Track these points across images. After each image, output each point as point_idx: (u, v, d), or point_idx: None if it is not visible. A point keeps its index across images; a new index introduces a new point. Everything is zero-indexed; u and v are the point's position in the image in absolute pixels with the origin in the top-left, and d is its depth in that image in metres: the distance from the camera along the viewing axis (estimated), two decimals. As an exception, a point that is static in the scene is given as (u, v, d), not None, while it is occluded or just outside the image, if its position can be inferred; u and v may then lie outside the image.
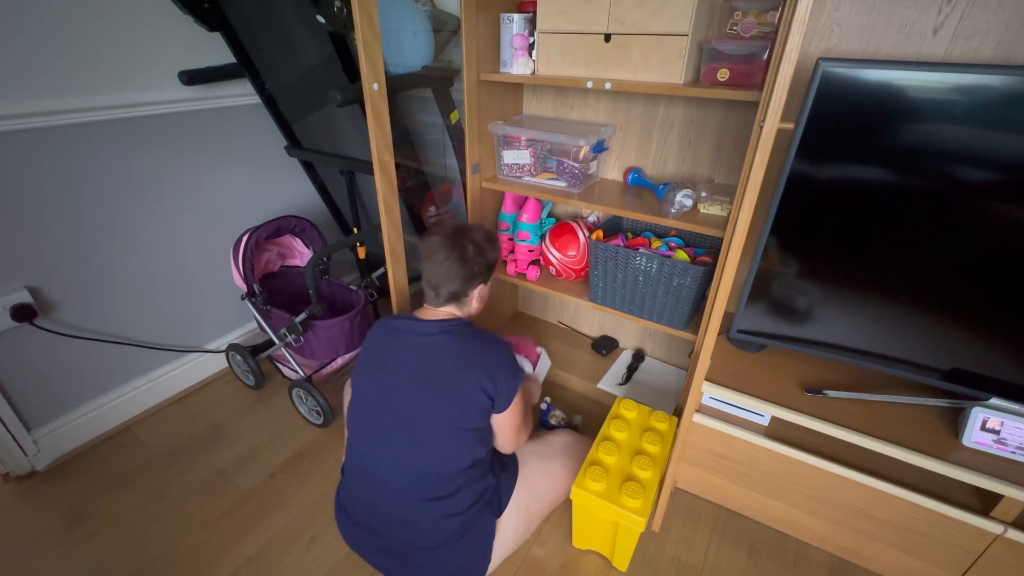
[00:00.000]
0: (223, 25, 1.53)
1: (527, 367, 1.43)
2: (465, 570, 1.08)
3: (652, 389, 1.66)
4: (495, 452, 1.15)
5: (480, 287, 1.13)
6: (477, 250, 1.10)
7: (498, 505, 1.12)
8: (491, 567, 1.11)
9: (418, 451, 1.03)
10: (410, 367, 1.04)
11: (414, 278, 1.53)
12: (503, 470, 1.16)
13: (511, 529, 1.13)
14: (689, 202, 1.29)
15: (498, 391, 1.02)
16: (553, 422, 1.57)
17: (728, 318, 1.31)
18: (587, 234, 1.52)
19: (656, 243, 1.45)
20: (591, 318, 1.91)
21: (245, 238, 1.55)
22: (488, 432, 1.09)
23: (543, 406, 1.61)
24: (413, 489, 1.03)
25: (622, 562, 1.21)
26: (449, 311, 1.12)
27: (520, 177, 1.53)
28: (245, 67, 1.62)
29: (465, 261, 1.08)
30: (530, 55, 1.34)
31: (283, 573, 1.21)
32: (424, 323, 1.08)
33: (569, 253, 1.53)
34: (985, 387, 0.99)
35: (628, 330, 1.83)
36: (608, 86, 1.21)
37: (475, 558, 1.08)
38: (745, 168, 1.05)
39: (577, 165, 1.41)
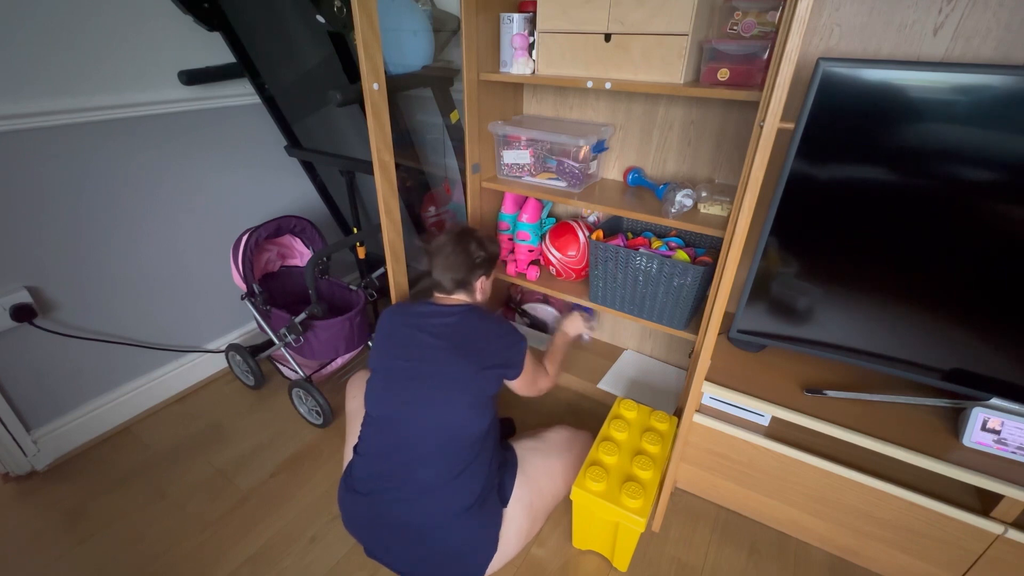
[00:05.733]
0: (223, 25, 1.53)
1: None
2: (470, 554, 1.08)
3: (652, 389, 1.66)
4: (497, 440, 1.21)
5: (482, 278, 1.25)
6: (479, 245, 1.24)
7: (503, 495, 1.14)
8: (494, 566, 1.11)
9: (448, 409, 1.09)
10: (436, 340, 1.13)
11: (414, 279, 1.54)
12: (504, 463, 1.18)
13: (515, 527, 1.13)
14: (689, 202, 1.29)
15: (511, 359, 1.17)
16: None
17: (728, 318, 1.31)
18: (587, 234, 1.52)
19: (656, 243, 1.45)
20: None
21: (245, 238, 1.55)
22: (496, 402, 1.19)
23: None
24: (440, 450, 1.07)
25: (622, 562, 1.21)
26: (463, 298, 1.24)
27: (520, 177, 1.53)
28: (245, 67, 1.62)
29: (468, 254, 1.22)
30: (530, 55, 1.34)
31: (283, 573, 1.21)
32: (444, 307, 1.20)
33: (569, 253, 1.53)
34: (985, 387, 0.99)
35: (628, 330, 1.83)
36: (608, 86, 1.21)
37: (481, 542, 1.08)
38: (745, 168, 1.05)
39: (577, 165, 1.41)
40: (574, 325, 1.47)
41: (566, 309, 1.68)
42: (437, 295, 1.25)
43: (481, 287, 1.26)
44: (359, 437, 1.18)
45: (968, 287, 0.93)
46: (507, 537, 1.12)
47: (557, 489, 1.23)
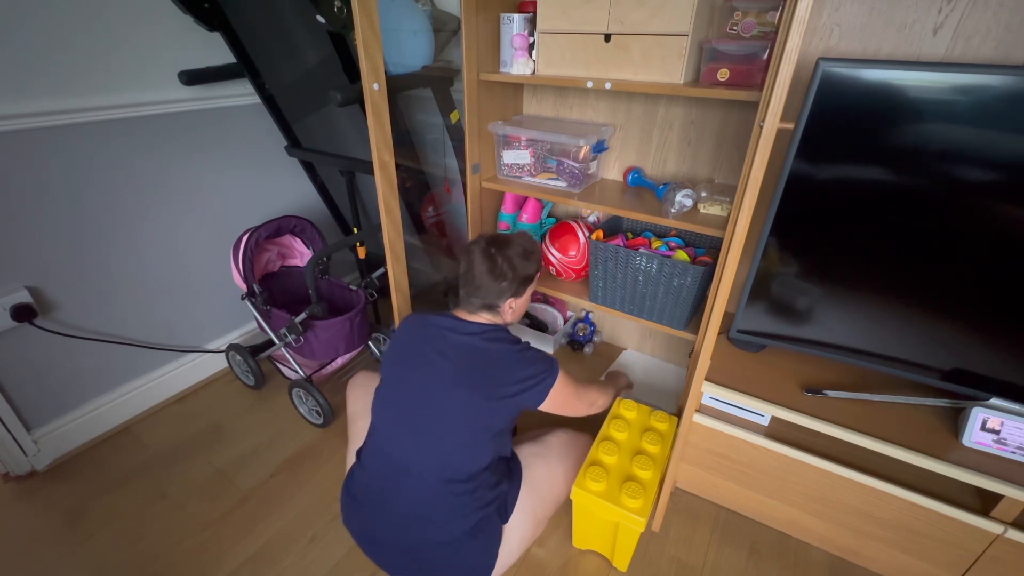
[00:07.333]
0: (223, 25, 1.53)
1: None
2: (469, 573, 1.07)
3: (652, 389, 1.65)
4: (502, 459, 1.15)
5: (511, 300, 1.14)
6: (509, 265, 1.11)
7: (504, 512, 1.11)
8: (495, 574, 1.11)
9: (444, 445, 1.05)
10: (447, 363, 1.06)
11: (414, 279, 1.53)
12: (510, 476, 1.15)
13: (517, 536, 1.12)
14: (689, 202, 1.29)
15: (528, 391, 1.06)
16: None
17: (728, 318, 1.31)
18: (587, 234, 1.52)
19: (656, 243, 1.45)
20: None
21: (245, 238, 1.55)
22: (508, 434, 1.11)
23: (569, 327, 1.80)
24: (434, 482, 1.04)
25: (622, 562, 1.21)
26: (487, 318, 1.15)
27: (520, 177, 1.53)
28: (245, 67, 1.62)
29: (495, 276, 1.10)
30: (530, 55, 1.34)
31: (283, 573, 1.21)
32: (464, 323, 1.11)
33: (569, 253, 1.53)
34: (985, 387, 0.99)
35: (628, 330, 1.83)
36: (608, 86, 1.21)
37: (480, 562, 1.07)
38: (745, 168, 1.05)
39: (577, 165, 1.40)
40: (624, 382, 1.53)
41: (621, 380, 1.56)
42: (461, 310, 1.17)
43: (510, 309, 1.15)
44: (364, 443, 1.17)
45: (968, 287, 0.93)
46: (509, 548, 1.11)
47: (559, 493, 1.22)
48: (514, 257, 1.13)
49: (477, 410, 1.04)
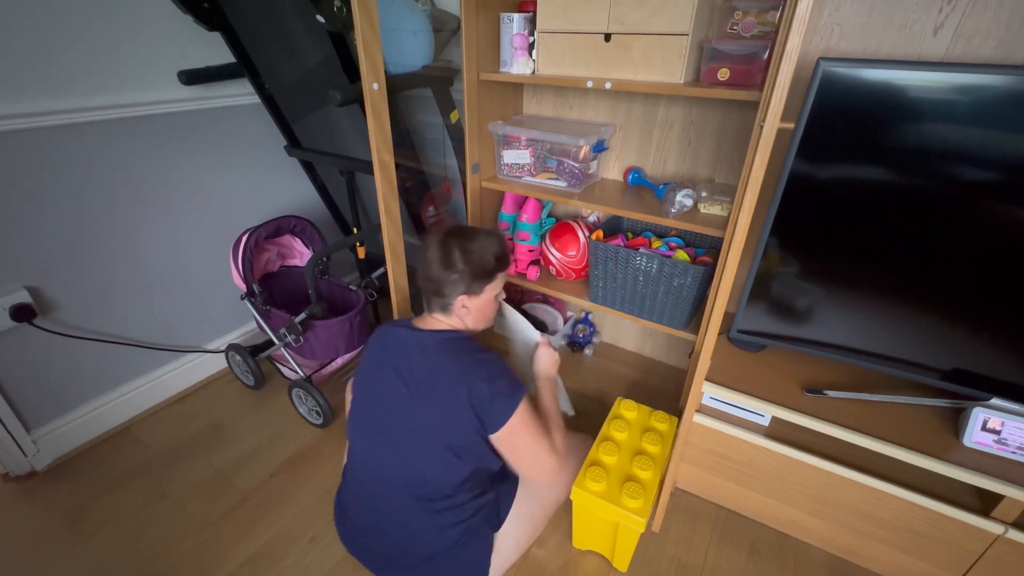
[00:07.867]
0: (223, 25, 1.53)
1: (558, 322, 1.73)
2: None
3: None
4: (485, 469, 1.07)
5: (463, 297, 1.04)
6: (462, 254, 1.01)
7: (496, 519, 1.09)
8: None
9: (413, 460, 1.02)
10: (406, 376, 1.02)
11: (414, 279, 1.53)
12: (503, 481, 1.13)
13: (512, 540, 1.11)
14: (689, 202, 1.29)
15: (485, 410, 0.96)
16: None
17: (728, 318, 1.31)
18: (587, 234, 1.52)
19: (656, 243, 1.45)
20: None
21: (245, 238, 1.55)
22: (486, 449, 1.02)
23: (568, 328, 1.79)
24: (411, 496, 1.03)
25: (622, 562, 1.21)
26: (444, 321, 1.08)
27: (520, 177, 1.53)
28: (245, 67, 1.62)
29: (445, 265, 1.01)
30: (530, 55, 1.34)
31: (283, 573, 1.21)
32: (421, 332, 1.05)
33: (569, 253, 1.53)
34: (986, 387, 0.99)
35: (628, 330, 1.83)
36: (608, 86, 1.21)
37: (471, 571, 1.06)
38: (745, 168, 1.05)
39: (577, 165, 1.40)
40: (550, 360, 1.21)
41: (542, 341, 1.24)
42: (423, 314, 1.10)
43: (463, 308, 1.04)
44: (346, 462, 1.15)
45: (968, 287, 0.93)
46: (504, 553, 1.10)
47: (558, 495, 1.21)
48: (471, 248, 1.02)
49: (430, 427, 0.99)
